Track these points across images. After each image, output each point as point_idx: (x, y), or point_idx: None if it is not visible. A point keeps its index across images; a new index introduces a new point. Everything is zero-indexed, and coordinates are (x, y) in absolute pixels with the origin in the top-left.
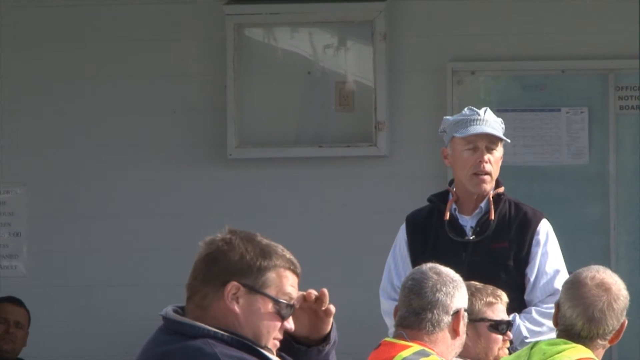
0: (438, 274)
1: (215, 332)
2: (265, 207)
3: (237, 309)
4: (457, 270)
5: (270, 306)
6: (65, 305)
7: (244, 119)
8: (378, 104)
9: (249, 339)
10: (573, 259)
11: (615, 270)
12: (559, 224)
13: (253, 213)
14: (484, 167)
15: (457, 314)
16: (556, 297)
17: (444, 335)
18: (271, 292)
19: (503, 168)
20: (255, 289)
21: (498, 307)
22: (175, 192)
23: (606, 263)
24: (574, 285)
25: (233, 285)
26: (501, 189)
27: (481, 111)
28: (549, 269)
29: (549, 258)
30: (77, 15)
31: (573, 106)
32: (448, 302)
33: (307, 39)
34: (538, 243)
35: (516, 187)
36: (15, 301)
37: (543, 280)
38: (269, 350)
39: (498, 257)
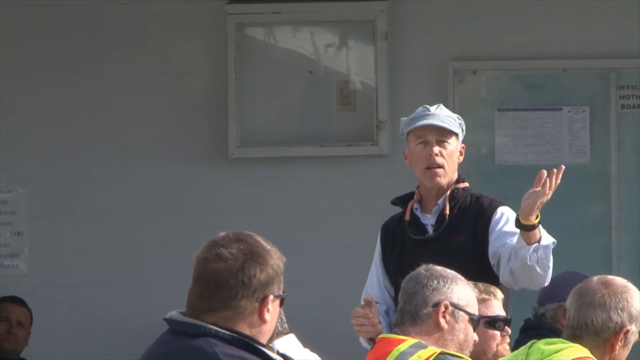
0: (427, 270)
1: (216, 330)
2: (267, 207)
3: (267, 317)
4: None
5: (277, 303)
6: (67, 305)
7: (246, 118)
8: (379, 103)
9: (252, 338)
10: (574, 259)
11: (617, 269)
12: (560, 223)
13: (254, 212)
14: (434, 160)
15: (437, 305)
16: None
17: (428, 328)
18: (281, 290)
19: (504, 167)
20: (281, 295)
21: (492, 303)
22: (177, 191)
23: (607, 262)
24: (582, 284)
25: (269, 300)
26: (462, 185)
27: (433, 107)
28: (511, 236)
29: (510, 228)
30: (77, 15)
31: (574, 105)
32: (427, 294)
33: (308, 39)
34: (495, 223)
35: (517, 187)
36: (17, 301)
37: (509, 240)
38: (270, 348)
39: (456, 252)
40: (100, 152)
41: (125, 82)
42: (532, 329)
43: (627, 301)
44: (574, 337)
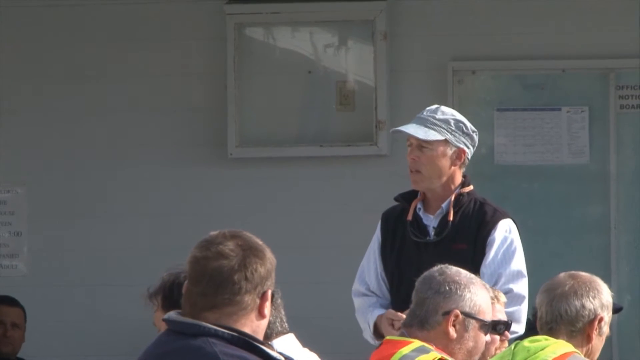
0: (442, 274)
1: (216, 330)
2: (266, 207)
3: (266, 312)
4: (418, 271)
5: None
6: (66, 305)
7: (245, 118)
8: (379, 103)
9: (252, 337)
10: (573, 259)
11: (616, 269)
12: (559, 224)
13: (254, 212)
14: (411, 164)
15: (448, 314)
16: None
17: (436, 335)
18: (273, 286)
19: (503, 167)
20: (276, 294)
21: (495, 307)
22: (176, 191)
23: (606, 262)
24: (549, 281)
25: (268, 296)
26: (467, 189)
27: (430, 109)
28: (502, 269)
29: (502, 259)
30: (77, 15)
31: (574, 105)
32: (438, 300)
33: (307, 39)
34: (491, 244)
35: (517, 187)
36: (10, 301)
37: (491, 282)
38: (270, 347)
39: (457, 259)
40: (99, 153)
41: (125, 82)
42: (532, 330)
43: (597, 290)
44: (551, 332)
